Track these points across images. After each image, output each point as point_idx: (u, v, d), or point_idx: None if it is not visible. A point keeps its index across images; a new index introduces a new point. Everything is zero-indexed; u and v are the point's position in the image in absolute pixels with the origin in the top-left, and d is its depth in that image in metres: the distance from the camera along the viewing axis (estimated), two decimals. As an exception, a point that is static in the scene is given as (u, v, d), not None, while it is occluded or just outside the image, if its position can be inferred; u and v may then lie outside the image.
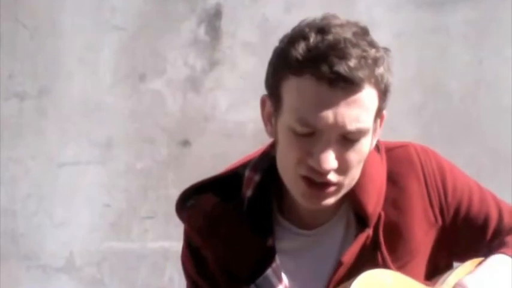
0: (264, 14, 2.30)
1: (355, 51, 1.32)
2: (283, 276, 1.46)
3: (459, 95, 2.21)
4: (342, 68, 1.29)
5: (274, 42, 2.21)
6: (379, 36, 2.41)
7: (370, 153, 1.46)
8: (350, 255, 1.45)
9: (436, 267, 1.56)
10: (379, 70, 1.37)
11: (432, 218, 1.51)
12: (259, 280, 1.46)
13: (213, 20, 2.31)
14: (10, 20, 2.34)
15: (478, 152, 2.18)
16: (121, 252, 2.24)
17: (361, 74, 1.31)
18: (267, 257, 1.46)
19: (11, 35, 2.34)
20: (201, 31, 2.31)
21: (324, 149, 1.33)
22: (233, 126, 2.19)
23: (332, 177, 1.36)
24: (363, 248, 1.45)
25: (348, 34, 1.35)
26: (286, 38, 1.38)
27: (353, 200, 1.46)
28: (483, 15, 2.22)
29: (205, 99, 2.29)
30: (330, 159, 1.33)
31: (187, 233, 1.52)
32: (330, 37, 1.33)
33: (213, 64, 2.30)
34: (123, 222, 2.26)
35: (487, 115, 2.20)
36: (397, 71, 2.40)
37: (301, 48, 1.33)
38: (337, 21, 1.40)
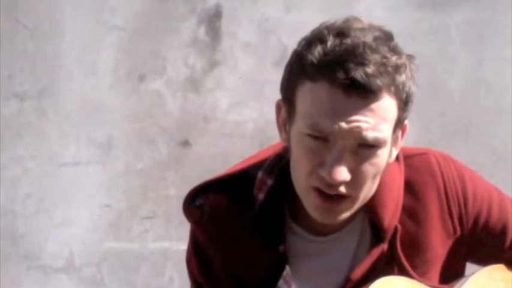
0: (264, 14, 2.30)
1: (374, 57, 1.25)
2: (293, 284, 1.39)
3: (459, 95, 2.21)
4: (358, 74, 1.22)
5: (274, 42, 2.22)
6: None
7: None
8: (360, 272, 1.40)
9: (451, 274, 1.51)
10: (401, 78, 1.30)
11: (451, 229, 1.46)
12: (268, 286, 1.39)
13: (213, 20, 2.31)
14: (10, 20, 2.34)
15: (478, 152, 2.18)
16: (121, 252, 2.24)
17: (379, 81, 1.23)
18: (278, 265, 1.41)
19: (11, 35, 2.33)
20: (201, 31, 2.31)
21: (336, 159, 1.26)
22: (233, 126, 2.19)
23: (344, 189, 1.29)
24: (377, 263, 1.40)
25: (368, 38, 1.28)
26: (304, 40, 1.32)
27: (368, 210, 1.39)
28: (483, 16, 2.22)
29: (205, 99, 2.28)
30: (342, 171, 1.25)
31: (195, 232, 1.47)
32: (348, 41, 1.26)
33: (213, 64, 2.30)
34: (123, 222, 2.26)
35: (487, 115, 2.20)
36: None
37: (317, 52, 1.26)
38: (358, 25, 1.32)
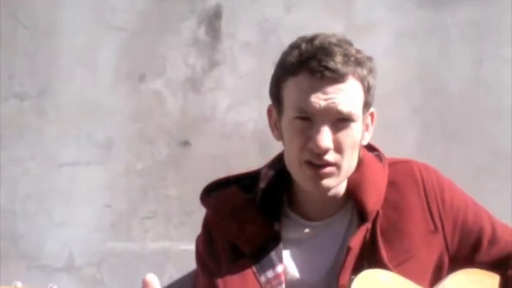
0: (264, 14, 2.30)
1: (339, 50, 1.57)
2: (284, 259, 1.66)
3: (459, 95, 2.21)
4: (329, 63, 1.55)
5: (274, 42, 2.23)
6: (379, 36, 2.43)
7: (371, 161, 1.71)
8: (357, 241, 1.61)
9: (443, 274, 1.67)
10: (362, 70, 1.60)
11: (432, 226, 1.67)
12: (262, 258, 1.64)
13: (213, 20, 2.31)
14: (10, 20, 2.34)
15: (478, 152, 2.18)
16: (121, 252, 2.24)
17: (345, 68, 1.56)
18: (272, 240, 1.66)
19: (11, 35, 2.33)
20: (201, 31, 2.31)
21: (320, 131, 1.55)
22: (233, 127, 2.19)
23: (330, 157, 1.57)
24: (364, 242, 1.62)
25: (332, 39, 1.61)
26: (283, 52, 1.65)
27: (355, 199, 1.66)
28: (483, 15, 2.22)
29: (205, 100, 2.28)
30: (325, 138, 1.55)
31: (206, 218, 1.76)
32: (317, 42, 1.59)
33: (213, 64, 2.30)
34: (123, 222, 2.26)
35: (487, 115, 2.19)
36: (397, 71, 2.42)
37: (294, 54, 1.60)
38: (324, 33, 1.64)
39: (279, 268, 1.65)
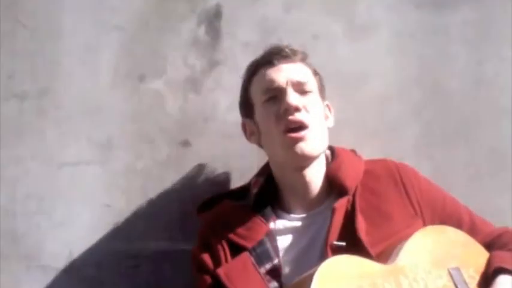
0: (264, 14, 2.30)
1: (288, 47, 1.93)
2: (280, 251, 1.81)
3: (459, 95, 2.21)
4: (280, 53, 1.91)
5: (274, 42, 2.22)
6: (379, 36, 2.43)
7: (347, 152, 1.94)
8: (341, 205, 1.79)
9: None
10: (308, 60, 1.95)
11: (412, 211, 1.82)
12: (260, 252, 1.80)
13: (213, 20, 2.31)
14: (10, 20, 2.34)
15: (478, 152, 2.18)
16: (121, 252, 2.24)
17: (294, 55, 1.91)
18: (268, 236, 1.82)
19: (11, 35, 2.33)
20: (201, 31, 2.31)
21: (287, 95, 1.84)
22: (233, 127, 2.19)
23: (302, 116, 1.82)
24: (346, 211, 1.79)
25: (283, 45, 1.95)
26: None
27: (335, 182, 1.86)
28: (483, 16, 2.22)
29: (205, 100, 2.28)
30: (292, 97, 1.83)
31: (202, 230, 1.94)
32: (270, 48, 1.96)
33: (213, 64, 2.30)
34: (123, 222, 2.25)
35: (487, 115, 2.20)
36: (397, 71, 2.42)
37: (254, 61, 1.97)
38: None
39: (276, 260, 1.79)
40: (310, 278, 1.55)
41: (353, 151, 1.98)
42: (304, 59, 1.93)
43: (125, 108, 2.30)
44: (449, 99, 2.21)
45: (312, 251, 1.79)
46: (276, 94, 1.87)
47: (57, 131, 2.30)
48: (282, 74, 1.87)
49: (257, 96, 1.92)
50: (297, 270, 1.74)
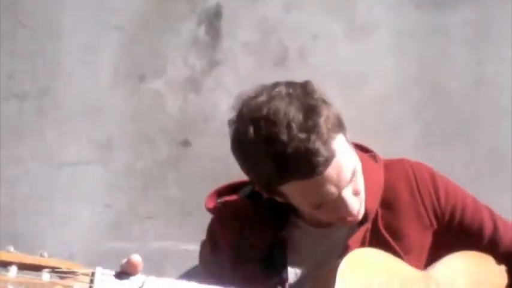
0: (264, 14, 2.29)
1: (316, 145, 1.49)
2: (289, 264, 1.67)
3: (459, 95, 2.21)
4: (315, 159, 1.49)
5: (274, 42, 2.22)
6: (379, 36, 2.42)
7: (367, 162, 1.72)
8: (356, 239, 1.65)
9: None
10: (334, 127, 1.54)
11: (427, 222, 1.71)
12: (267, 263, 1.66)
13: (213, 20, 2.31)
14: (10, 20, 2.34)
15: (478, 152, 2.18)
16: (121, 252, 2.24)
17: (328, 149, 1.50)
18: (278, 246, 1.68)
19: (11, 35, 2.33)
20: (201, 31, 2.31)
21: (346, 202, 1.58)
22: (233, 127, 2.18)
23: (359, 208, 1.63)
24: (363, 242, 1.66)
25: (295, 120, 1.51)
26: (238, 131, 1.59)
27: None
28: (483, 16, 2.22)
29: (205, 100, 2.28)
30: (352, 205, 1.60)
31: (211, 224, 1.78)
32: (291, 145, 1.49)
33: (213, 64, 2.30)
34: (123, 222, 2.25)
35: (487, 115, 2.19)
36: (397, 71, 2.41)
37: (279, 166, 1.52)
38: (279, 106, 1.56)
39: (284, 273, 1.66)
40: (338, 264, 1.50)
41: (372, 156, 1.78)
42: (335, 136, 1.54)
43: (125, 108, 2.30)
44: (449, 99, 2.21)
45: (325, 266, 1.66)
46: (328, 201, 1.59)
47: (57, 131, 2.30)
48: (334, 186, 1.55)
49: (297, 201, 1.62)
50: (306, 283, 1.66)
